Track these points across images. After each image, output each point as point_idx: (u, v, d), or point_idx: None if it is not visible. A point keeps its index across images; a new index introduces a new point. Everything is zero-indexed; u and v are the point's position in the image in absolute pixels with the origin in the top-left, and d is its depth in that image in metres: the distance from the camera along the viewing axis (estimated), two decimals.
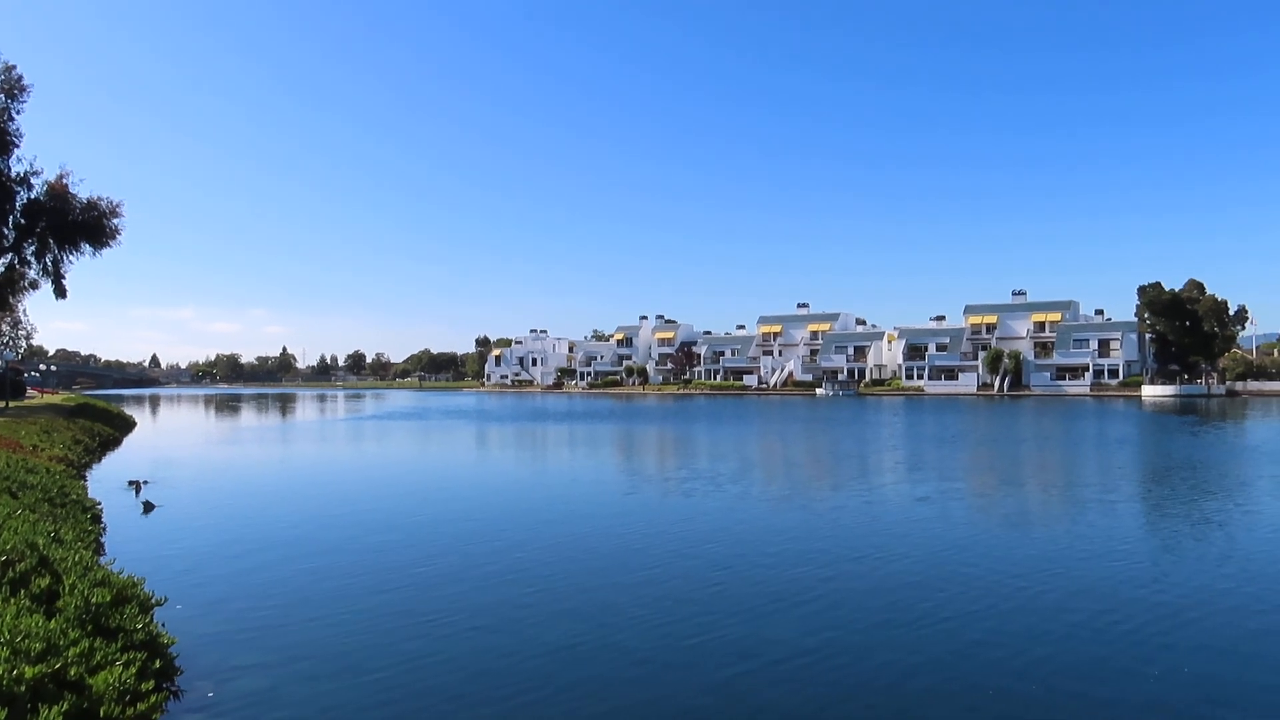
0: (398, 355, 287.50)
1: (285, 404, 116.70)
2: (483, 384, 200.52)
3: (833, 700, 9.63)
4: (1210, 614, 12.81)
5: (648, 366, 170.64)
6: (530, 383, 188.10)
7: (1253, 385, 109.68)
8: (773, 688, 9.97)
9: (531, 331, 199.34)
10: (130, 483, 27.14)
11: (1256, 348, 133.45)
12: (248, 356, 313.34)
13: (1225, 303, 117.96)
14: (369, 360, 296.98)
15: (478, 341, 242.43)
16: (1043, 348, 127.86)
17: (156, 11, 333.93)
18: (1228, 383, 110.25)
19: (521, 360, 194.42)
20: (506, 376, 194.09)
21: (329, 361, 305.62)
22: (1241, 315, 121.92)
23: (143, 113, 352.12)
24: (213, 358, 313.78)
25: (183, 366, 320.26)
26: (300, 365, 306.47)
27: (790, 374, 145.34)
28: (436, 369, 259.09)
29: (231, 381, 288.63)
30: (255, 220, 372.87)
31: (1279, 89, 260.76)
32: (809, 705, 9.51)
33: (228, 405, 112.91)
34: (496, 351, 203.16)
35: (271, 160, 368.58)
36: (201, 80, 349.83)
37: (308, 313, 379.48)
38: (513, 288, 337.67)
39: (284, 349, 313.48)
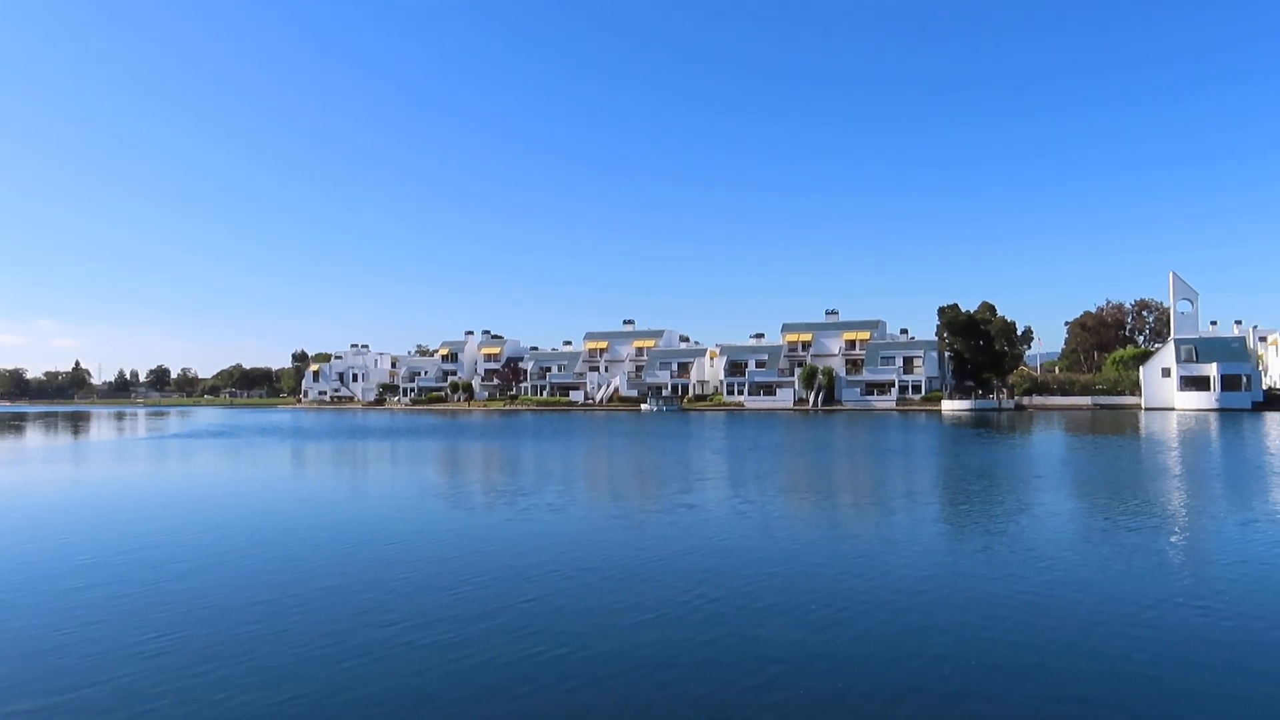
0: (206, 370, 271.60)
1: (77, 423, 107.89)
2: (299, 401, 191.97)
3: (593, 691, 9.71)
4: (968, 596, 13.77)
5: (474, 382, 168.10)
6: (351, 399, 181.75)
7: (1037, 400, 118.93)
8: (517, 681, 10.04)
9: (352, 346, 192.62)
10: None
11: (1040, 365, 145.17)
12: (34, 372, 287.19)
13: (1014, 324, 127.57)
14: (174, 376, 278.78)
15: (294, 356, 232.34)
16: (853, 364, 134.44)
17: None
18: (1016, 398, 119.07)
19: (341, 376, 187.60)
20: (325, 393, 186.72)
21: (129, 377, 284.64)
22: (1028, 335, 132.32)
23: None
24: None
25: None
26: (96, 381, 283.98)
27: (616, 389, 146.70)
28: (249, 385, 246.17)
29: (15, 399, 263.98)
30: (42, 219, 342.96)
31: (1069, 136, 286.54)
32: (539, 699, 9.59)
33: (8, 425, 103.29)
34: (314, 367, 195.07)
35: (60, 149, 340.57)
36: None
37: (104, 324, 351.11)
38: (333, 300, 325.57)
39: (77, 363, 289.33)
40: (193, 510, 27.10)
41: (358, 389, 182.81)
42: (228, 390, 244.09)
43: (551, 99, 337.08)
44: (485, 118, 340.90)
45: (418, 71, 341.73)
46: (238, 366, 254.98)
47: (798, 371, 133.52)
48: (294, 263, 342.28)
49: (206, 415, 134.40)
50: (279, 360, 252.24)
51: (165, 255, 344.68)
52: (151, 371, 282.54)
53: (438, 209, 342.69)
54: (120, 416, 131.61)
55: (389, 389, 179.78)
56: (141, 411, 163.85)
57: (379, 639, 12.45)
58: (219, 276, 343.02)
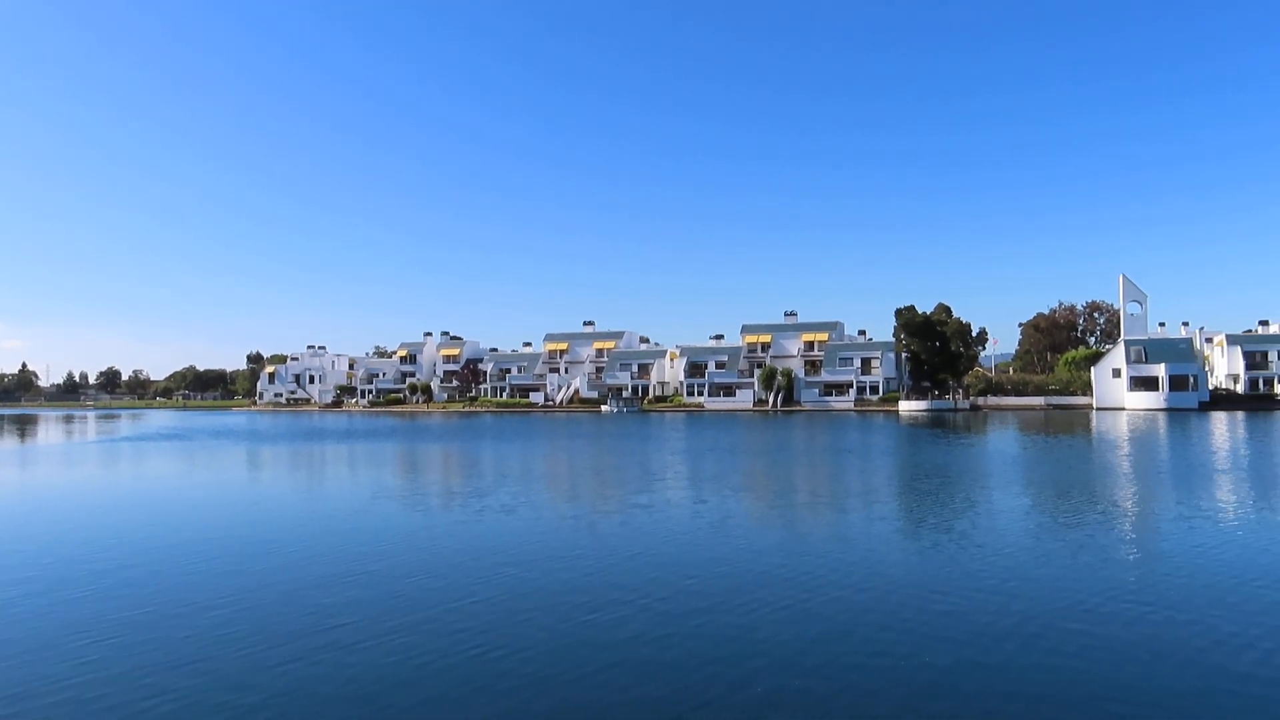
0: (159, 372, 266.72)
1: (24, 426, 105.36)
2: (254, 403, 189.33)
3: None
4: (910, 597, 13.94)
5: (432, 384, 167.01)
6: (307, 401, 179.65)
7: (992, 400, 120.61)
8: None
9: (309, 347, 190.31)
10: None
11: (994, 366, 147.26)
12: None
13: (969, 325, 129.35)
14: (125, 378, 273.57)
15: (250, 358, 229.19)
16: (812, 365, 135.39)
17: None
18: (971, 398, 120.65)
19: (298, 377, 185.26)
20: (281, 395, 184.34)
21: (78, 379, 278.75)
22: (982, 337, 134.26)
23: None
24: None
25: None
26: (44, 383, 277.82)
27: (576, 391, 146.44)
28: (203, 387, 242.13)
29: None
30: None
31: (1025, 141, 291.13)
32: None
33: None
34: (270, 368, 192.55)
35: (7, 145, 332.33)
36: None
37: (52, 325, 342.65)
38: (289, 301, 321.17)
39: (24, 365, 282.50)
40: (139, 515, 26.59)
41: (314, 391, 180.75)
42: (181, 392, 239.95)
43: (512, 99, 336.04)
44: (445, 117, 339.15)
45: (377, 70, 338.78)
46: (191, 368, 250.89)
47: (757, 372, 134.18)
48: (250, 262, 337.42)
49: (159, 418, 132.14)
50: (234, 362, 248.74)
51: (116, 254, 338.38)
52: (101, 373, 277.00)
53: (397, 208, 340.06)
54: (69, 419, 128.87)
55: (346, 391, 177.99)
56: (91, 414, 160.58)
57: (318, 640, 12.28)
58: (172, 276, 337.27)
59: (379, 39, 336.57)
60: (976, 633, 12.40)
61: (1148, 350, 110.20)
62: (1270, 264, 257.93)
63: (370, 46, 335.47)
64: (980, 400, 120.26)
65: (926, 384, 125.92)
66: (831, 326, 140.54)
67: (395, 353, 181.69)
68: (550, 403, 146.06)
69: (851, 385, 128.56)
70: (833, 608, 13.83)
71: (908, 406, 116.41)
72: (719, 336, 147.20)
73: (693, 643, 12.07)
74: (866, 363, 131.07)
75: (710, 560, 17.76)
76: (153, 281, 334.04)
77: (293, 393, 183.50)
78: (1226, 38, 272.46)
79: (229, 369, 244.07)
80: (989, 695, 10.05)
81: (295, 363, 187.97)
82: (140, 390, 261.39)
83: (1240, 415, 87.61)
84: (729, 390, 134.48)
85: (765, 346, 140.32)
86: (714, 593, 14.92)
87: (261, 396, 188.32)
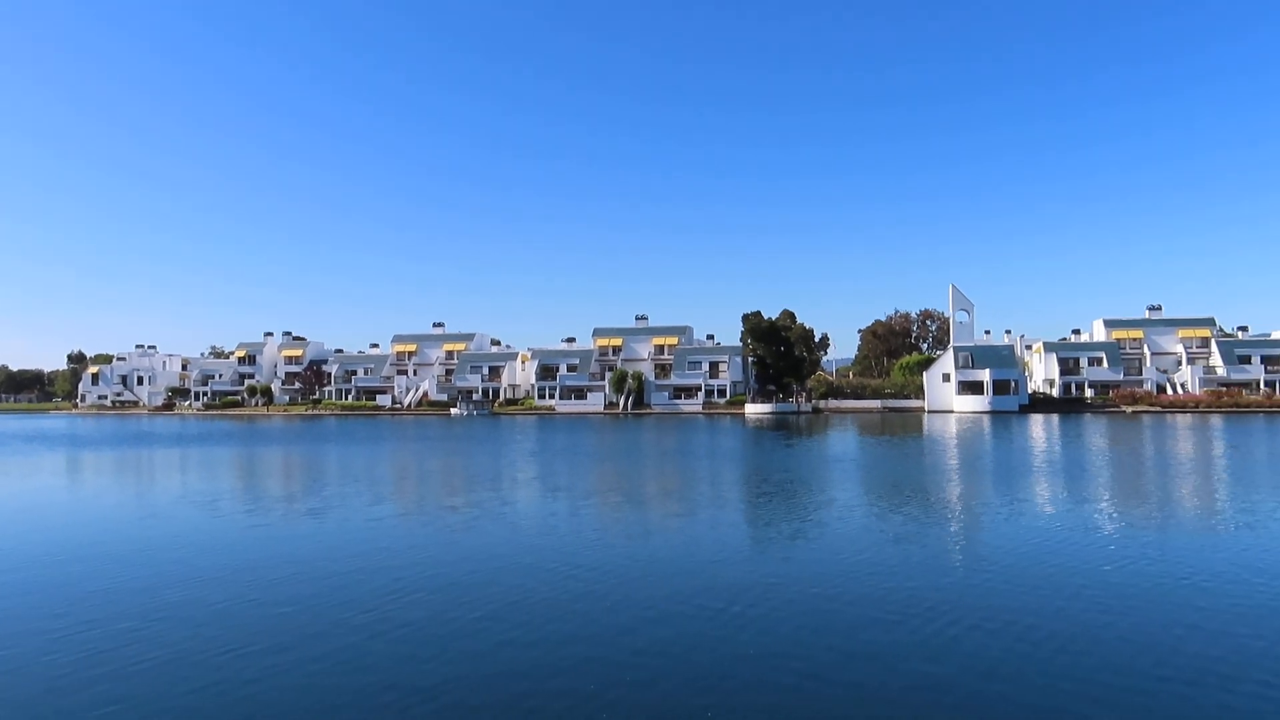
0: None
1: None
2: (75, 406, 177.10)
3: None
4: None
5: (273, 386, 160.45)
6: (135, 404, 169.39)
7: (833, 403, 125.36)
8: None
9: (138, 347, 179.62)
10: None
11: (835, 370, 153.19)
12: None
13: (812, 331, 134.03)
14: None
15: (71, 357, 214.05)
16: (662, 369, 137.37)
17: None
18: (814, 401, 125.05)
19: (124, 379, 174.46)
20: (106, 397, 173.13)
21: None
22: (824, 342, 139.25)
23: None
24: None
25: None
26: None
27: (425, 394, 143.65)
28: (17, 388, 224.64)
29: None
30: None
31: (863, 158, 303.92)
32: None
33: None
34: (93, 369, 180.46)
35: None
36: None
37: None
38: (117, 296, 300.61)
39: None
40: None
41: (144, 393, 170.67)
42: None
43: (357, 88, 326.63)
44: (287, 104, 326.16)
45: (216, 51, 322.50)
46: (3, 368, 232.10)
47: (608, 376, 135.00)
48: (73, 251, 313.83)
49: None
50: (52, 362, 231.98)
51: None
52: None
53: (234, 197, 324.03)
54: None
55: (179, 393, 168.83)
56: None
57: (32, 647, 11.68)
58: None
59: (221, 19, 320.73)
60: (779, 624, 12.78)
61: (974, 356, 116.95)
62: (1082, 277, 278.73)
63: (213, 28, 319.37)
64: (822, 403, 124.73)
65: (771, 387, 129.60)
66: (681, 331, 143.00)
67: (233, 353, 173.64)
68: (398, 405, 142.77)
69: (700, 389, 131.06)
70: (620, 602, 13.98)
71: (753, 409, 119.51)
72: (571, 339, 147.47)
73: (400, 647, 12.06)
74: (715, 366, 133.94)
75: (491, 560, 17.77)
76: None
77: (119, 395, 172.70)
78: (1050, 68, 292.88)
79: (46, 369, 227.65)
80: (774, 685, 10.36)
81: (122, 363, 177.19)
82: None
83: (1055, 418, 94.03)
84: (580, 393, 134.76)
85: (616, 350, 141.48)
86: (482, 599, 14.83)
87: (84, 399, 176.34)
